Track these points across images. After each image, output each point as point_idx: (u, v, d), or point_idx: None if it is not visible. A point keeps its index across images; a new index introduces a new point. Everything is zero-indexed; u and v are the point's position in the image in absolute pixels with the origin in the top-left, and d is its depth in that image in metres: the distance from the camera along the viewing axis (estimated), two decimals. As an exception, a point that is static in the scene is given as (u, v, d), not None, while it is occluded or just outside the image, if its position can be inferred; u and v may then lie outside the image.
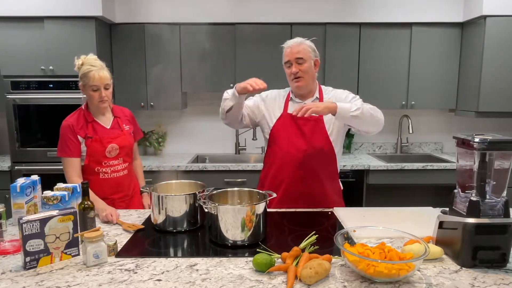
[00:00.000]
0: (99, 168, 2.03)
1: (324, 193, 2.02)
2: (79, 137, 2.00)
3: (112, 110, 2.13)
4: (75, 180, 1.94)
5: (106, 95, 1.99)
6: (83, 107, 2.08)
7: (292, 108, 2.00)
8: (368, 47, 3.52)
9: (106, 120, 2.09)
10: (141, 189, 2.13)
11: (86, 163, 2.02)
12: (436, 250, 1.33)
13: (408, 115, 3.76)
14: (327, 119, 1.97)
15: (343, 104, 1.82)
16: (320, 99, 2.02)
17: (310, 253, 1.32)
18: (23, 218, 1.29)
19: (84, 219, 1.49)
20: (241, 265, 1.30)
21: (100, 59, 2.05)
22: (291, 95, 2.06)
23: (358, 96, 2.00)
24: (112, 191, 2.07)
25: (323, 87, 2.09)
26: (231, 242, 1.46)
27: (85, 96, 2.04)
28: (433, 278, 1.21)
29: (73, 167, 1.98)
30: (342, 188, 2.16)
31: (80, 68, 1.99)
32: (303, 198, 1.99)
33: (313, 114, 1.80)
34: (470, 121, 3.89)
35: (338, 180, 2.13)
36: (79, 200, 1.61)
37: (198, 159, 3.84)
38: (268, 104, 2.09)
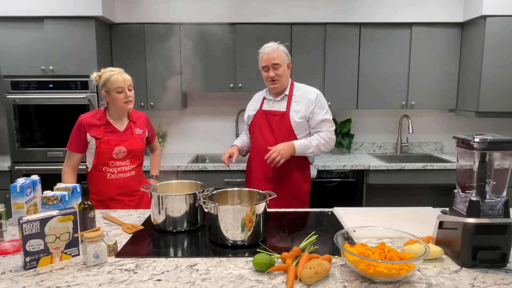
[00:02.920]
0: (106, 168, 2.09)
1: (290, 179, 2.27)
2: (88, 135, 2.06)
3: (129, 114, 2.19)
4: (66, 170, 2.12)
5: (131, 96, 2.08)
6: (102, 109, 2.14)
7: (266, 105, 2.34)
8: (368, 47, 3.52)
9: (121, 124, 2.14)
10: (151, 175, 2.44)
11: (94, 163, 2.09)
12: (436, 250, 1.33)
13: (408, 115, 3.77)
14: (293, 114, 2.23)
15: (300, 146, 2.18)
16: (290, 95, 2.29)
17: (310, 253, 1.32)
18: (23, 218, 1.29)
19: (84, 219, 1.49)
20: (241, 265, 1.30)
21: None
22: (265, 94, 2.38)
23: (324, 107, 2.26)
24: (119, 192, 2.11)
25: (296, 84, 2.34)
26: (231, 242, 1.46)
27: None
28: (433, 278, 1.21)
29: (70, 159, 2.12)
30: (313, 176, 2.41)
31: (99, 80, 2.07)
32: (270, 184, 2.24)
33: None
34: (470, 121, 3.89)
35: (309, 168, 2.36)
36: (79, 200, 1.61)
37: (198, 159, 3.84)
38: (249, 109, 2.43)
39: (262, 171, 2.29)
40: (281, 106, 2.28)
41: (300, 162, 2.29)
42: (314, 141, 2.21)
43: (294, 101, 2.27)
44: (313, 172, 2.42)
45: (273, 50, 2.20)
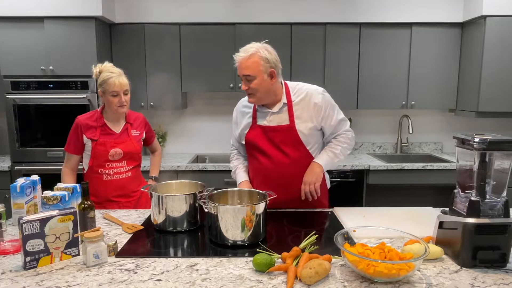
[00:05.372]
0: (102, 170, 2.08)
1: (307, 202, 1.90)
2: (84, 137, 2.06)
3: (126, 115, 2.18)
4: (65, 171, 2.12)
5: (125, 100, 2.06)
6: (98, 110, 2.13)
7: (262, 119, 1.90)
8: (368, 47, 3.52)
9: (117, 125, 2.14)
10: (150, 177, 2.39)
11: (90, 164, 2.09)
12: (436, 250, 1.33)
13: (408, 115, 3.77)
14: (300, 125, 1.86)
15: (326, 162, 1.88)
16: (289, 102, 1.87)
17: (310, 253, 1.32)
18: (23, 218, 1.29)
19: (84, 219, 1.49)
20: (241, 265, 1.30)
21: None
22: (257, 106, 1.93)
23: (335, 107, 1.91)
24: (115, 193, 2.11)
25: (291, 86, 1.91)
26: (231, 242, 1.46)
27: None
28: (433, 278, 1.21)
29: (68, 161, 2.13)
30: (329, 186, 2.09)
31: (98, 76, 2.06)
32: (286, 205, 1.93)
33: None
34: (470, 121, 3.89)
35: (325, 180, 2.03)
36: (79, 200, 1.61)
37: (198, 159, 3.84)
38: (240, 123, 2.00)
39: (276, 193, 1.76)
40: (282, 119, 1.87)
41: None
42: (336, 149, 1.90)
43: (296, 109, 1.86)
44: (328, 182, 2.09)
45: (245, 59, 1.75)
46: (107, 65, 2.08)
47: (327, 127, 1.91)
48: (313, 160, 1.89)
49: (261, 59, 1.75)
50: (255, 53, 1.76)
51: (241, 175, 2.02)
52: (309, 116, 1.86)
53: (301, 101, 1.87)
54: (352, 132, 1.98)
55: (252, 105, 1.93)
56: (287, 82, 1.94)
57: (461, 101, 3.57)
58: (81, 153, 2.10)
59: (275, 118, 1.88)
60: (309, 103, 1.86)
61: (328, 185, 2.10)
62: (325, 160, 1.88)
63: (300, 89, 1.90)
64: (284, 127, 1.86)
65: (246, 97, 1.94)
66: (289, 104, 1.87)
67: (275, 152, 1.88)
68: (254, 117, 1.93)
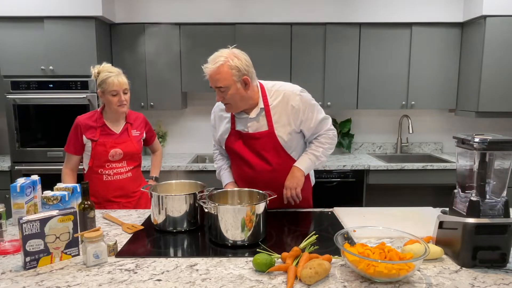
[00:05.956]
0: (102, 170, 2.08)
1: (291, 205, 1.90)
2: (84, 137, 2.06)
3: (126, 115, 2.17)
4: (65, 172, 2.12)
5: (125, 99, 2.06)
6: (98, 110, 2.13)
7: (240, 125, 1.86)
8: (368, 47, 3.52)
9: (117, 125, 2.13)
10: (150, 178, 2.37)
11: (90, 165, 2.09)
12: (436, 250, 1.33)
13: (408, 115, 3.77)
14: (280, 130, 1.82)
15: (307, 165, 1.86)
16: (266, 107, 1.81)
17: (310, 253, 1.32)
18: (23, 218, 1.29)
19: (84, 219, 1.49)
20: (241, 265, 1.30)
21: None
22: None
23: (314, 107, 1.84)
24: (115, 194, 2.11)
25: (267, 88, 1.84)
26: (231, 242, 1.46)
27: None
28: (433, 278, 1.21)
29: (68, 161, 2.13)
30: (313, 183, 2.10)
31: (97, 76, 2.05)
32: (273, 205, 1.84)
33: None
34: (470, 121, 3.89)
35: (309, 178, 2.02)
36: (79, 200, 1.61)
37: (198, 159, 3.84)
38: (218, 128, 1.98)
39: None
40: (260, 125, 1.82)
41: None
42: (317, 151, 1.87)
43: (274, 113, 1.81)
44: (313, 179, 2.11)
45: (215, 71, 1.67)
46: (106, 66, 2.08)
47: (306, 130, 1.86)
48: (294, 164, 1.86)
49: (231, 69, 1.68)
50: (224, 63, 1.67)
51: (226, 176, 2.03)
52: (287, 119, 1.81)
53: (279, 104, 1.81)
54: (334, 131, 1.94)
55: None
56: (263, 83, 1.87)
57: (461, 101, 3.57)
58: (81, 153, 2.10)
59: (253, 124, 1.84)
60: (287, 105, 1.80)
61: (313, 182, 2.11)
62: (306, 164, 1.86)
63: (277, 91, 1.83)
64: (264, 134, 1.82)
65: (220, 102, 1.89)
66: (266, 108, 1.81)
67: (256, 160, 1.86)
68: (233, 122, 1.89)
